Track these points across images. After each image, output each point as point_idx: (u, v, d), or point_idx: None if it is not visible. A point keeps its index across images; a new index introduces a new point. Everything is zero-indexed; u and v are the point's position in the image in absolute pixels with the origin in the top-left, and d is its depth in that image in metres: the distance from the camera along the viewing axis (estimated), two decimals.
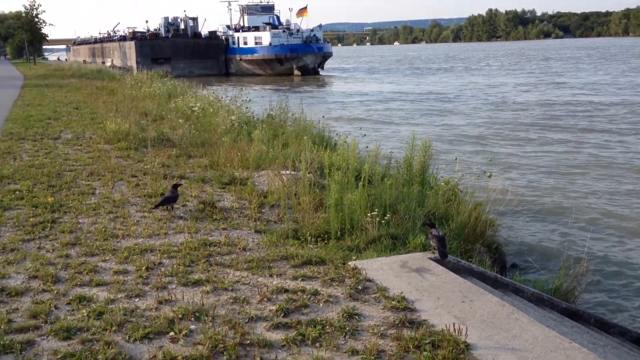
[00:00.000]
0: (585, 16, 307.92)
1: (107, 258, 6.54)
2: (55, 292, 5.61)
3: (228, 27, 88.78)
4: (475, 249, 8.47)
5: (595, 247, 10.72)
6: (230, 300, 5.45)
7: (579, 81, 50.15)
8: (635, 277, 9.72)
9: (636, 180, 15.58)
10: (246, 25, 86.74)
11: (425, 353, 4.46)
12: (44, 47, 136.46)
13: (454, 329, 4.80)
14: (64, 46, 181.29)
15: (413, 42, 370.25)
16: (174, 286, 5.78)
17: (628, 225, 12.09)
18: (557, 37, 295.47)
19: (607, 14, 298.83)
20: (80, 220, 7.93)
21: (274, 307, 5.28)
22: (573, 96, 37.64)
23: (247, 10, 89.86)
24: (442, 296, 5.60)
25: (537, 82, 50.56)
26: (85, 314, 5.12)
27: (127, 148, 13.10)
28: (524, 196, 13.89)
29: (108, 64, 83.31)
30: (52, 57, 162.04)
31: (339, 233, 7.49)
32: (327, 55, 79.70)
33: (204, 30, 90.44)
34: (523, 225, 12.18)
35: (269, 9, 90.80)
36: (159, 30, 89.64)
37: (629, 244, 11.16)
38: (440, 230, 6.81)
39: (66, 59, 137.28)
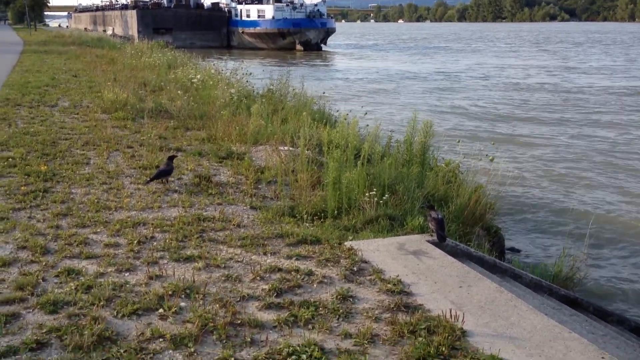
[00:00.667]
0: (592, 0, 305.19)
1: (99, 230, 6.40)
2: (44, 263, 5.48)
3: None
4: (474, 232, 8.34)
5: (596, 235, 10.60)
6: (222, 278, 5.32)
7: (591, 65, 49.52)
8: (636, 266, 9.62)
9: None
10: None
11: (420, 339, 4.35)
12: (45, 13, 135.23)
13: (451, 315, 4.68)
14: (65, 13, 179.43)
15: (417, 20, 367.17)
16: (165, 261, 5.64)
17: (631, 213, 11.97)
18: (562, 20, 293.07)
19: None
20: (73, 191, 7.78)
21: (266, 287, 5.15)
22: (584, 80, 37.19)
23: None
24: (439, 280, 5.47)
25: (549, 65, 50.05)
26: (73, 288, 4.99)
27: (124, 118, 12.90)
28: (526, 180, 13.76)
29: (109, 32, 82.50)
30: (53, 24, 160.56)
31: (336, 212, 7.35)
32: (330, 31, 79.01)
33: (206, 1, 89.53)
34: (523, 210, 12.05)
35: None
36: (162, 0, 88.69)
37: (631, 232, 11.04)
38: (440, 213, 6.66)
39: (67, 26, 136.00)
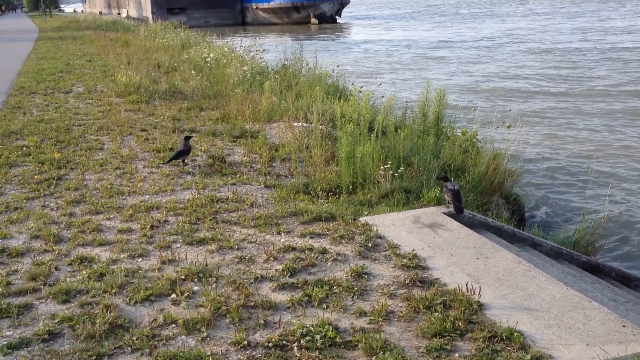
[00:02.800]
0: None
1: (112, 216, 6.38)
2: (57, 252, 5.48)
3: None
4: (493, 201, 8.19)
5: (617, 199, 10.37)
6: (236, 260, 5.27)
7: (626, 25, 47.40)
8: None
9: None
10: None
11: (436, 314, 4.26)
12: None
13: (467, 288, 4.59)
14: None
15: None
16: (178, 245, 5.61)
17: None
18: None
19: None
20: (86, 177, 7.78)
21: (280, 267, 5.10)
22: (615, 44, 35.81)
23: None
24: (455, 253, 5.37)
25: (579, 28, 48.57)
26: (85, 276, 4.98)
27: (137, 101, 12.88)
28: (545, 148, 13.50)
29: (123, 15, 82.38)
30: (68, 9, 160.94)
31: (350, 187, 7.25)
32: (344, 2, 78.00)
33: None
34: (543, 177, 11.84)
35: None
36: None
37: None
38: (456, 184, 6.53)
39: (82, 11, 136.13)
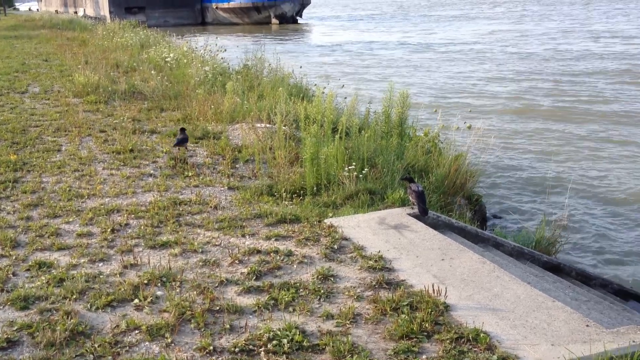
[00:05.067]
0: None
1: (71, 220, 6.23)
2: (14, 257, 5.31)
3: None
4: (456, 201, 8.26)
5: (576, 199, 10.58)
6: (200, 263, 5.19)
7: (588, 29, 48.54)
8: (615, 229, 9.62)
9: (623, 136, 15.32)
10: None
11: (402, 316, 4.26)
12: None
13: (433, 290, 4.60)
14: None
15: None
16: (140, 249, 5.50)
17: (608, 175, 11.96)
18: None
19: None
20: (43, 180, 7.58)
21: (245, 270, 5.03)
22: (578, 45, 36.61)
23: None
24: (421, 254, 5.39)
25: (532, 30, 49.65)
26: (44, 281, 4.84)
27: (96, 102, 12.62)
28: (506, 149, 13.70)
29: (80, 13, 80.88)
30: (23, 8, 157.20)
31: (315, 189, 7.22)
32: (305, 3, 77.97)
33: None
34: (504, 178, 12.00)
35: None
36: None
37: (609, 194, 11.04)
38: (420, 185, 6.56)
39: (37, 9, 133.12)
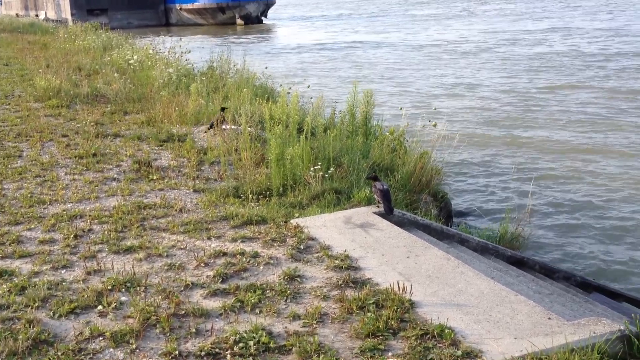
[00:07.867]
0: None
1: (33, 226, 6.12)
2: None
3: None
4: (421, 199, 8.33)
5: (539, 194, 10.75)
6: (165, 268, 5.15)
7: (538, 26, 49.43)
8: (578, 221, 9.80)
9: (586, 128, 15.60)
10: None
11: (369, 314, 4.29)
12: None
13: (399, 287, 4.63)
14: None
15: None
16: (104, 255, 5.43)
17: (574, 173, 12.15)
18: None
19: None
20: (4, 186, 7.44)
21: (211, 273, 5.01)
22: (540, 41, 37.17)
23: None
24: (386, 252, 5.42)
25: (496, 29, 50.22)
26: (6, 290, 4.75)
27: (58, 106, 12.42)
28: (470, 145, 13.84)
29: (42, 16, 79.52)
30: None
31: (281, 189, 7.22)
32: (270, 3, 77.79)
33: None
34: (469, 174, 12.14)
35: None
36: None
37: (572, 188, 11.25)
38: (385, 183, 6.60)
39: None
